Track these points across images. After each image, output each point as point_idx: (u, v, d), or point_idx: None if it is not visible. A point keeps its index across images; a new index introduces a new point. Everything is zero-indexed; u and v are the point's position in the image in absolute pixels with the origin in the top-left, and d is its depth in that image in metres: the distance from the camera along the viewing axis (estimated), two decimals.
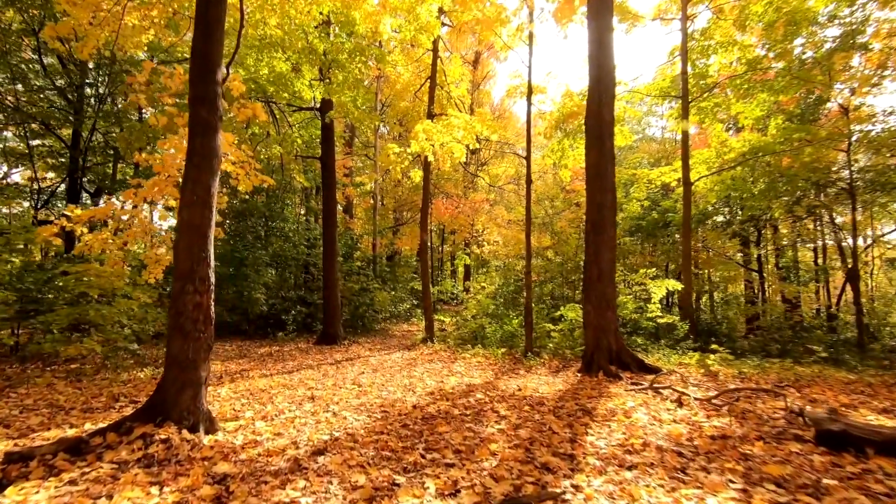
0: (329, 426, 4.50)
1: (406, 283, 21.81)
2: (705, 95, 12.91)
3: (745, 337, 12.53)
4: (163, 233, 9.39)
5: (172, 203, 7.76)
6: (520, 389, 6.42)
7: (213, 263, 4.21)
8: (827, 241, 18.05)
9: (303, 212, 19.71)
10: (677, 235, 16.35)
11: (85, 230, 7.05)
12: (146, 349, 8.68)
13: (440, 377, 7.62)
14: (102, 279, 7.41)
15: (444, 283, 23.34)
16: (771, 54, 11.48)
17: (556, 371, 8.25)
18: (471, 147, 10.17)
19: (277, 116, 13.72)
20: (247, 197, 14.85)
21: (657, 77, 14.16)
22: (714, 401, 5.27)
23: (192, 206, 4.11)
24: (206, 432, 4.00)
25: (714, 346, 8.92)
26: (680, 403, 5.23)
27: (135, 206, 6.39)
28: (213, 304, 4.17)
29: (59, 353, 5.96)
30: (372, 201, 22.83)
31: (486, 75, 25.18)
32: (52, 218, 11.24)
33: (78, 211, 6.52)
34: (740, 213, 15.92)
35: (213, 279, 4.19)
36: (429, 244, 17.01)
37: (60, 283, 7.64)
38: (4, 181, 14.56)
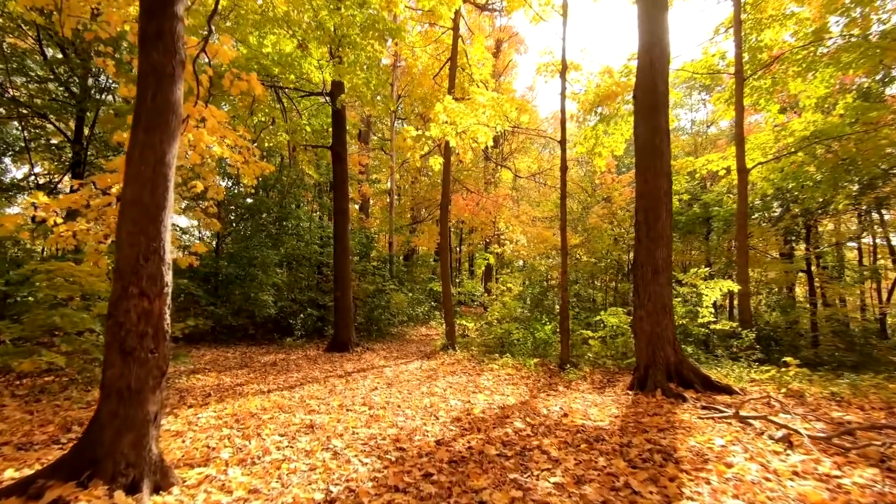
0: (326, 476, 3.37)
1: (424, 283, 20.68)
2: (759, 73, 11.45)
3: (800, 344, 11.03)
4: None
5: None
6: (566, 414, 5.21)
7: (169, 259, 3.12)
8: (877, 240, 16.27)
9: (316, 208, 18.78)
10: (724, 232, 14.93)
11: (60, 220, 6.10)
12: None
13: (466, 395, 6.45)
14: (80, 278, 6.45)
15: (466, 283, 22.11)
16: (843, 19, 9.94)
17: (600, 387, 7.02)
18: (499, 129, 8.96)
19: (285, 104, 12.71)
20: (252, 190, 13.93)
21: (703, 55, 12.71)
22: (834, 440, 3.99)
23: (140, 181, 3.02)
24: (155, 489, 2.91)
25: (787, 359, 7.53)
26: (790, 443, 3.96)
27: (105, 192, 5.38)
28: (167, 312, 3.08)
29: (14, 369, 5.01)
30: (388, 199, 21.79)
31: (507, 65, 23.89)
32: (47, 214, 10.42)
33: (45, 198, 5.53)
34: (792, 205, 14.33)
35: (169, 279, 3.10)
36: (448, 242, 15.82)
37: (38, 284, 6.72)
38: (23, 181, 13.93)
